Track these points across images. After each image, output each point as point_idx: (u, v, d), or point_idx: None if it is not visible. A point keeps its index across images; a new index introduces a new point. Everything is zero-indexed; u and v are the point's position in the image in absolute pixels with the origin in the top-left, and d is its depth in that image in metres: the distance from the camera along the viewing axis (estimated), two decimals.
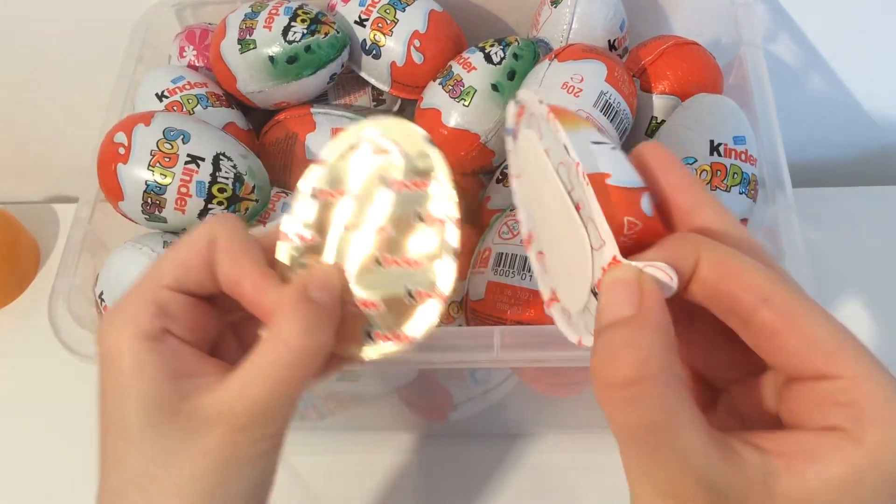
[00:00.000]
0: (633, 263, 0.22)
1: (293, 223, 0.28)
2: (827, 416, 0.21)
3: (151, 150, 0.42)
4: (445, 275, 0.27)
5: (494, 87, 0.47)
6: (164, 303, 0.27)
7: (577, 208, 0.24)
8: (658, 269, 0.22)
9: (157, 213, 0.42)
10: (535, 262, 0.28)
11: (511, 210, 0.46)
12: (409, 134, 0.28)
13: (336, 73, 0.50)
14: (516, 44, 0.48)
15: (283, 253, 0.29)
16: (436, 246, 0.27)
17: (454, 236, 0.27)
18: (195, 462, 0.25)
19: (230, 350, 0.30)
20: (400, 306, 0.28)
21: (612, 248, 0.23)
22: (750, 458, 0.20)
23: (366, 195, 0.28)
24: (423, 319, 0.27)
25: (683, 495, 0.20)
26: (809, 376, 0.21)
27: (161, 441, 0.25)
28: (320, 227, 0.28)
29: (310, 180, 0.28)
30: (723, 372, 0.26)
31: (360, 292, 0.28)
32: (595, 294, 0.24)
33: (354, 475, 0.55)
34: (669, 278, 0.22)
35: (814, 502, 0.20)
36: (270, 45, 0.47)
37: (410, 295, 0.28)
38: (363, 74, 0.51)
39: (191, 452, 0.25)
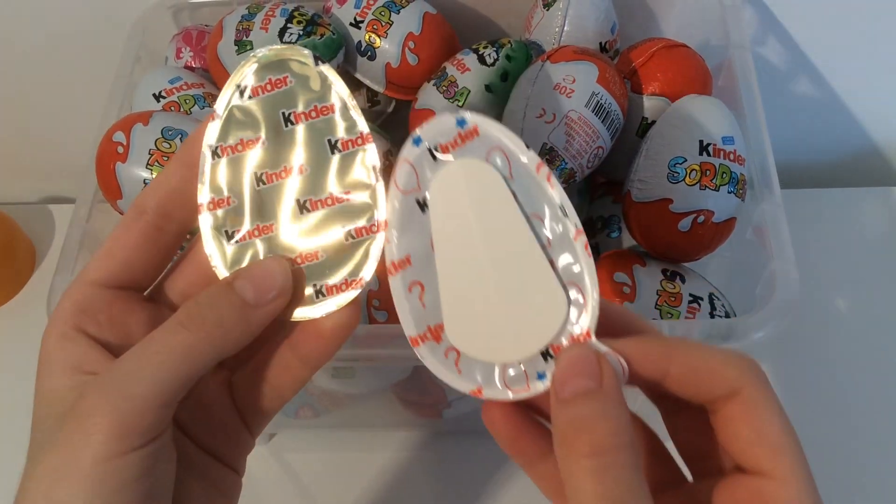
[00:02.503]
0: (600, 345, 0.24)
1: (205, 190, 0.26)
2: None
3: (150, 150, 0.42)
4: (378, 199, 0.26)
5: (488, 88, 0.48)
6: (83, 300, 0.27)
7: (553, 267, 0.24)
8: (616, 358, 0.23)
9: None
10: (405, 292, 0.26)
11: None
12: (296, 57, 0.26)
13: None
14: (509, 45, 0.49)
15: (206, 224, 0.27)
16: (359, 172, 0.26)
17: (373, 155, 0.26)
18: (78, 461, 0.24)
19: None
20: (342, 249, 0.26)
21: (589, 321, 0.24)
22: None
23: (269, 138, 0.26)
24: (370, 256, 0.26)
25: None
26: (744, 462, 0.24)
27: (53, 437, 0.25)
28: (233, 187, 0.26)
29: (208, 138, 0.26)
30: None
31: (294, 246, 0.26)
32: (547, 356, 0.24)
33: (349, 472, 0.56)
34: (622, 371, 0.23)
35: None
36: (266, 46, 0.48)
37: (350, 234, 0.26)
38: (358, 76, 0.52)
39: (59, 441, 0.25)
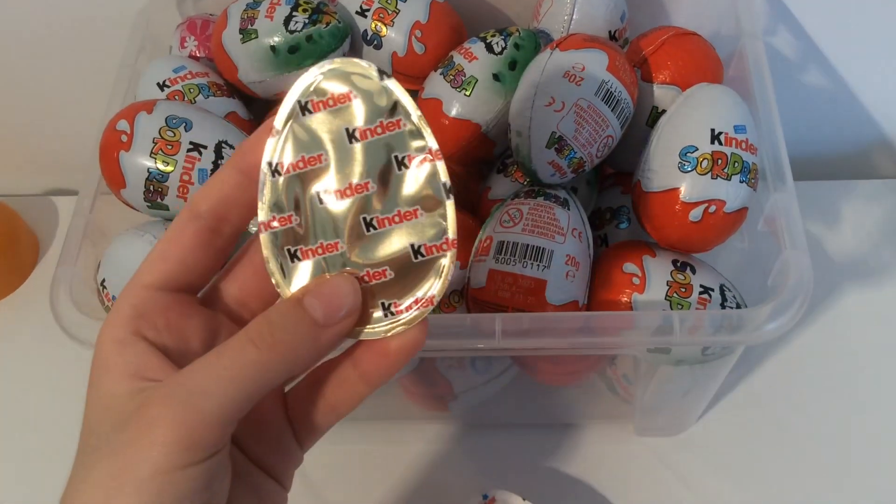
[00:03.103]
0: None
1: (265, 209, 0.26)
2: None
3: (154, 138, 0.42)
4: (447, 217, 0.25)
5: (496, 77, 0.47)
6: (140, 304, 0.26)
7: None
8: None
9: (159, 200, 0.42)
10: None
11: (511, 199, 0.46)
12: (359, 71, 0.25)
13: None
14: (517, 34, 0.48)
15: (267, 244, 0.26)
16: (427, 188, 0.25)
17: (442, 170, 0.25)
18: (137, 471, 0.23)
19: None
20: (410, 267, 0.25)
21: None
22: None
23: (332, 154, 0.25)
24: (439, 274, 0.25)
25: None
26: None
27: (110, 442, 0.24)
28: (295, 205, 0.25)
29: (266, 155, 0.25)
30: None
31: (360, 264, 0.26)
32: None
33: (354, 464, 0.55)
34: None
35: None
36: (272, 34, 0.47)
37: (418, 252, 0.25)
38: None
39: (118, 448, 0.24)
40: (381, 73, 0.25)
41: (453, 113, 0.47)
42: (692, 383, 0.51)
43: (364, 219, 0.25)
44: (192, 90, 0.49)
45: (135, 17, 0.55)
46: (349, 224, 0.25)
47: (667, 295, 0.42)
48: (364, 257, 0.26)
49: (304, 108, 0.25)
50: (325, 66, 0.25)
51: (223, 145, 0.43)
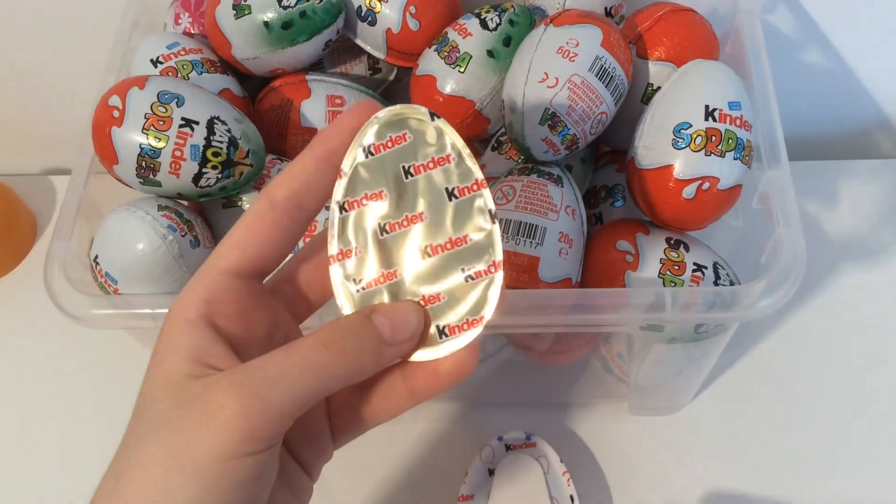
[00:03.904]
0: None
1: (334, 243, 0.28)
2: None
3: (146, 114, 0.42)
4: (494, 240, 0.27)
5: (490, 54, 0.47)
6: (214, 288, 0.27)
7: None
8: None
9: (151, 176, 0.42)
10: None
11: (505, 176, 0.46)
12: (413, 114, 0.28)
13: (331, 40, 0.50)
14: (512, 10, 0.48)
15: (336, 275, 0.28)
16: (475, 216, 0.27)
17: (488, 199, 0.27)
18: (197, 454, 0.24)
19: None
20: (462, 290, 0.28)
21: None
22: None
23: (392, 190, 0.28)
24: (490, 296, 0.27)
25: None
26: None
27: (171, 421, 0.25)
28: (359, 238, 0.28)
29: (336, 195, 0.28)
30: None
31: (417, 290, 0.28)
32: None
33: (353, 442, 0.56)
34: None
35: None
36: (265, 10, 0.47)
37: (469, 276, 0.28)
38: (358, 42, 0.51)
39: (178, 428, 0.24)
40: (433, 114, 0.28)
41: (447, 90, 0.47)
42: (686, 362, 0.50)
43: (420, 247, 0.28)
44: (185, 66, 0.48)
45: None
46: (407, 252, 0.28)
47: (660, 272, 0.42)
48: (420, 283, 0.28)
49: (367, 151, 0.28)
50: (383, 112, 0.28)
51: (215, 121, 0.43)
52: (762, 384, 0.57)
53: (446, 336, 0.28)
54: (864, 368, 0.57)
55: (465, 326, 0.28)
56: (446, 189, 0.28)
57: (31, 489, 0.56)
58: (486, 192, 0.27)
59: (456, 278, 0.28)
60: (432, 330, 0.28)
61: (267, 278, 0.29)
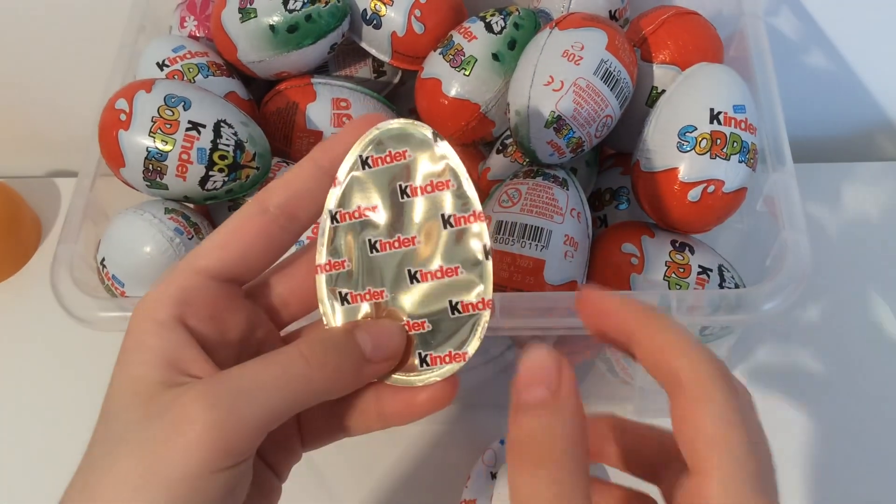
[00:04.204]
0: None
1: (323, 252, 0.27)
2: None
3: (153, 117, 0.42)
4: (485, 277, 0.27)
5: (495, 57, 0.47)
6: (189, 287, 0.26)
7: None
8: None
9: (158, 179, 0.42)
10: None
11: (510, 179, 0.46)
12: (417, 133, 0.27)
13: (337, 43, 0.50)
14: (517, 13, 0.48)
15: (322, 284, 0.28)
16: (470, 248, 0.27)
17: (485, 233, 0.26)
18: (167, 471, 0.23)
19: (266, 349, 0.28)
20: (448, 323, 0.27)
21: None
22: None
23: (386, 207, 0.27)
24: (476, 332, 0.27)
25: None
26: (687, 459, 0.23)
27: (138, 434, 0.24)
28: (349, 251, 0.27)
29: (328, 203, 0.27)
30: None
31: (402, 313, 0.27)
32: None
33: (353, 443, 0.55)
34: None
35: None
36: (271, 13, 0.47)
37: (456, 308, 0.27)
38: (364, 45, 0.51)
39: (148, 444, 0.23)
40: (436, 135, 0.27)
41: (452, 93, 0.47)
42: None
43: (409, 271, 0.27)
44: (191, 70, 0.49)
45: None
46: (395, 274, 0.27)
47: (665, 275, 0.42)
48: (407, 307, 0.27)
49: (364, 161, 0.27)
50: (385, 125, 0.27)
51: (222, 124, 0.43)
52: (766, 386, 0.57)
53: (427, 365, 0.27)
54: (870, 371, 0.57)
55: (448, 359, 0.27)
56: (442, 216, 0.27)
57: (37, 493, 0.56)
58: (484, 227, 0.26)
59: (443, 309, 0.27)
60: (415, 357, 0.27)
61: (248, 284, 0.28)
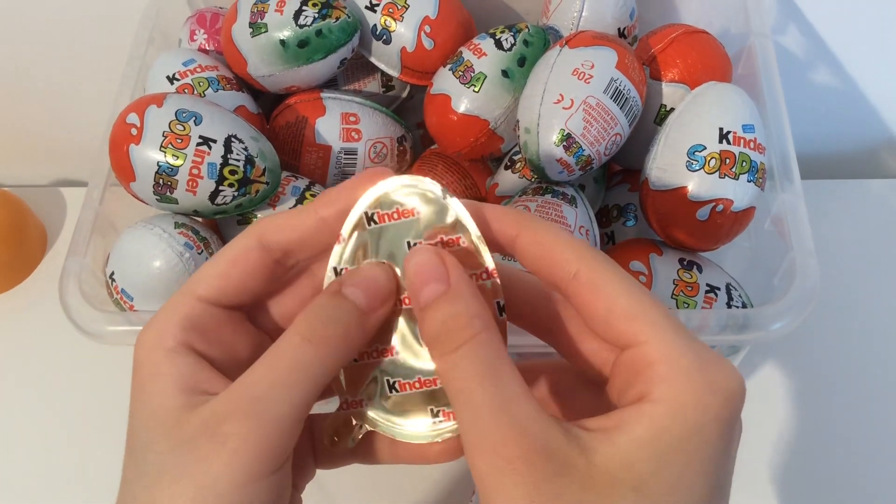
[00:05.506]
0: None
1: None
2: (635, 388, 0.24)
3: (164, 132, 0.42)
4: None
5: (505, 74, 0.47)
6: (193, 315, 0.26)
7: None
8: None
9: (168, 194, 0.43)
10: None
11: (519, 196, 0.46)
12: (425, 189, 0.26)
13: (346, 58, 0.50)
14: (527, 30, 0.48)
15: None
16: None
17: (499, 290, 0.26)
18: (216, 487, 0.23)
19: None
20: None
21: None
22: (576, 435, 0.23)
23: (393, 265, 0.26)
24: None
25: (521, 462, 0.22)
26: (615, 342, 0.24)
27: (179, 460, 0.24)
28: None
29: (332, 261, 0.26)
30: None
31: (414, 368, 0.27)
32: None
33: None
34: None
35: (625, 459, 0.22)
36: (282, 28, 0.48)
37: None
38: (373, 60, 0.52)
39: (190, 467, 0.24)
40: (445, 191, 0.26)
41: (462, 109, 0.47)
42: None
43: (414, 330, 0.26)
44: (201, 83, 0.49)
45: (144, 9, 0.55)
46: (402, 332, 0.27)
47: (673, 293, 0.42)
48: (418, 364, 0.27)
49: (370, 218, 0.26)
50: (394, 182, 0.26)
51: (233, 139, 0.43)
52: (773, 404, 0.57)
53: (440, 420, 0.27)
54: (877, 389, 0.57)
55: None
56: None
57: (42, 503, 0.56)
58: (498, 283, 0.26)
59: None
60: (427, 414, 0.27)
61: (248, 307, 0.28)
